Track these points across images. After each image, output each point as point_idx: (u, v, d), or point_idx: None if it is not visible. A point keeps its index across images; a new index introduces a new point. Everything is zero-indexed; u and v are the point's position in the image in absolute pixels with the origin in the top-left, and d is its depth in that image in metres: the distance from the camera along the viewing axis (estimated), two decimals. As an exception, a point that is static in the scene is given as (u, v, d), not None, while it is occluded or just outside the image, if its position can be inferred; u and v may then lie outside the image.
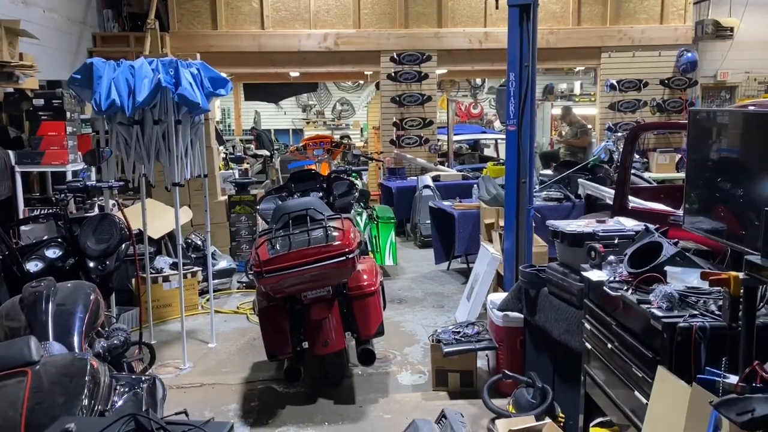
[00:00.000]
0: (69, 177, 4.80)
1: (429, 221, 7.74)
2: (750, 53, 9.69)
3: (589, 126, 10.05)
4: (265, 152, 11.45)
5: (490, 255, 5.06)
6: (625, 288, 2.42)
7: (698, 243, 2.84)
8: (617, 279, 2.53)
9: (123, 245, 3.34)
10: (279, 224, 3.86)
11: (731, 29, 9.50)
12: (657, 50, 9.39)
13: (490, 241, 5.85)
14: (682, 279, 2.25)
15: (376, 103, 10.53)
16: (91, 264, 3.26)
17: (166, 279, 5.58)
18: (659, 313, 2.12)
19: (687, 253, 2.49)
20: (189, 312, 5.69)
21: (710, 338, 2.00)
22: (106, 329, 3.01)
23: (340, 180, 5.44)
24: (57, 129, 4.74)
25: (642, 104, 9.40)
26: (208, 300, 5.45)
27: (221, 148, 9.97)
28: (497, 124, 15.38)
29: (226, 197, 7.24)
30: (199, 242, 6.38)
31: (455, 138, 9.96)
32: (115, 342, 2.84)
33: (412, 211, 8.38)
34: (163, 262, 5.65)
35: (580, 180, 6.30)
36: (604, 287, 2.52)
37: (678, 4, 9.42)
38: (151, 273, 5.62)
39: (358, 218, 6.85)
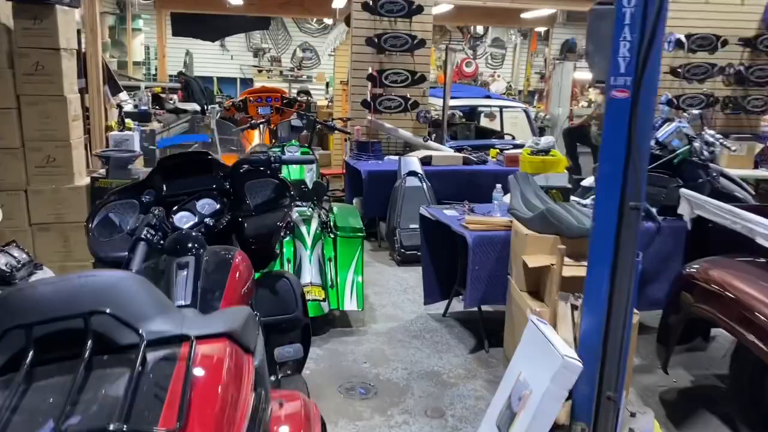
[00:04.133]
0: None
1: (415, 226, 5.11)
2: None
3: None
4: (194, 106, 8.51)
5: (560, 359, 2.41)
6: None
7: None
8: None
9: None
10: (4, 354, 1.16)
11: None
12: (740, -5, 6.77)
13: (540, 299, 3.23)
14: None
15: (346, 48, 7.68)
16: None
17: None
18: None
19: None
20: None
21: None
22: None
23: (260, 177, 2.70)
24: None
25: (717, 70, 6.77)
26: None
27: (120, 96, 6.96)
28: (495, 87, 12.57)
29: (88, 180, 4.41)
30: (17, 262, 3.57)
31: (450, 103, 7.24)
32: None
33: (390, 208, 5.70)
34: None
35: (685, 192, 3.71)
36: None
37: (772, -69, 6.77)
38: None
39: (303, 229, 4.18)
